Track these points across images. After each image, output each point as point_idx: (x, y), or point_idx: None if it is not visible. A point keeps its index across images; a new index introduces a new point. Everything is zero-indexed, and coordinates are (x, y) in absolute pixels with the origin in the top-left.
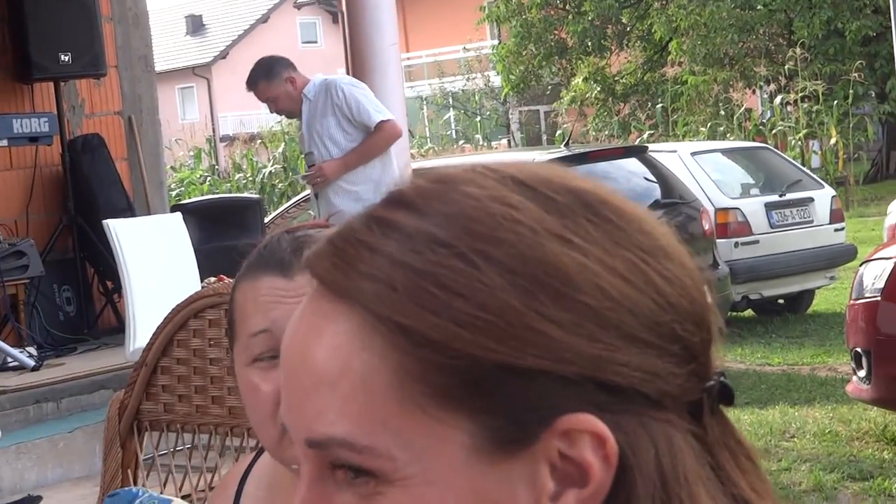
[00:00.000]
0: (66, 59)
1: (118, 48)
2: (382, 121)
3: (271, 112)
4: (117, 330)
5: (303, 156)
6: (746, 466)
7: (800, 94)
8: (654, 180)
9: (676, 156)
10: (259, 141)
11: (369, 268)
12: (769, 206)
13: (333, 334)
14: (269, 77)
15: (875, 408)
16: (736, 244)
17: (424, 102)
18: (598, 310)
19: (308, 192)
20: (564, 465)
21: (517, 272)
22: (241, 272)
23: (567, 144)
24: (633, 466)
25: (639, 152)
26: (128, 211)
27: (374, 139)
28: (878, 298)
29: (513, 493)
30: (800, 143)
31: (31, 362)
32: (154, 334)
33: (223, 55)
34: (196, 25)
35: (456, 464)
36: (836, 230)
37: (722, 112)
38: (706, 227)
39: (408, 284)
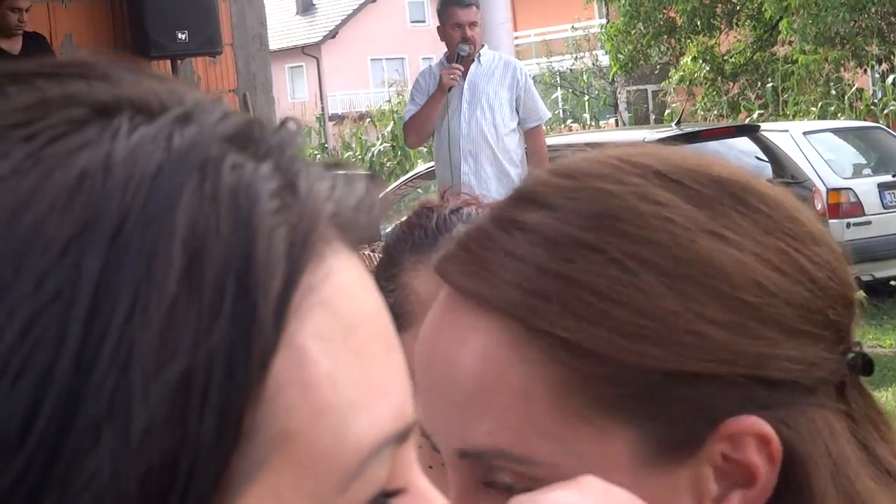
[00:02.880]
0: (183, 37)
1: (233, 26)
2: (541, 123)
3: (461, 38)
4: None
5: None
6: (887, 435)
7: None
8: (766, 160)
9: (788, 135)
10: (368, 119)
11: (515, 276)
12: (882, 187)
13: (483, 345)
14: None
15: None
16: (848, 225)
17: (533, 81)
18: (757, 306)
19: (420, 169)
20: (728, 467)
21: (673, 274)
22: (406, 255)
23: (678, 123)
24: (804, 460)
25: (750, 131)
26: None
27: (542, 144)
28: None
29: (676, 498)
30: None
31: None
32: None
33: (332, 35)
34: (306, 5)
35: (620, 471)
36: None
37: (833, 92)
38: (818, 207)
39: (561, 294)
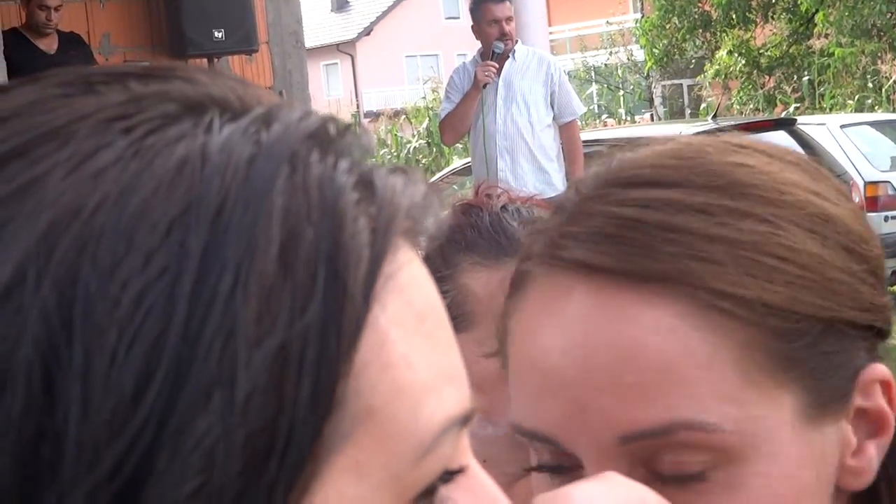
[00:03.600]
0: (220, 35)
1: (269, 25)
2: (576, 118)
3: (498, 33)
4: None
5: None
6: None
7: None
8: (803, 153)
9: (825, 128)
10: (403, 116)
11: (681, 248)
12: None
13: (659, 319)
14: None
15: None
16: (886, 218)
17: (568, 77)
18: (868, 258)
19: (456, 165)
20: (860, 419)
21: (812, 230)
22: (461, 255)
23: (715, 117)
24: None
25: (787, 125)
26: None
27: (576, 138)
28: None
29: (825, 456)
30: None
31: None
32: None
33: (367, 32)
34: (341, 2)
35: (788, 431)
36: None
37: (870, 84)
38: (856, 200)
39: (732, 257)
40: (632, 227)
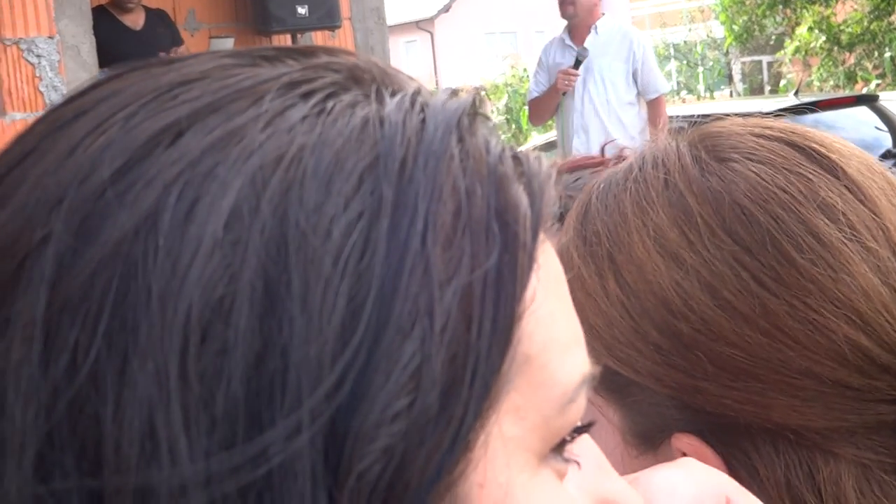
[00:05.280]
0: (303, 11)
1: (352, 1)
2: (663, 94)
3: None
4: None
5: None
6: None
7: None
8: (885, 129)
9: None
10: (482, 93)
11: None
12: None
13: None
14: None
15: None
16: None
17: None
18: (687, 335)
19: (537, 141)
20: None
21: (633, 294)
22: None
23: (796, 94)
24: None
25: (869, 101)
26: None
27: (661, 114)
28: None
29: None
30: None
31: None
32: None
33: (446, 9)
34: None
35: (614, 440)
36: None
37: None
38: None
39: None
40: None
